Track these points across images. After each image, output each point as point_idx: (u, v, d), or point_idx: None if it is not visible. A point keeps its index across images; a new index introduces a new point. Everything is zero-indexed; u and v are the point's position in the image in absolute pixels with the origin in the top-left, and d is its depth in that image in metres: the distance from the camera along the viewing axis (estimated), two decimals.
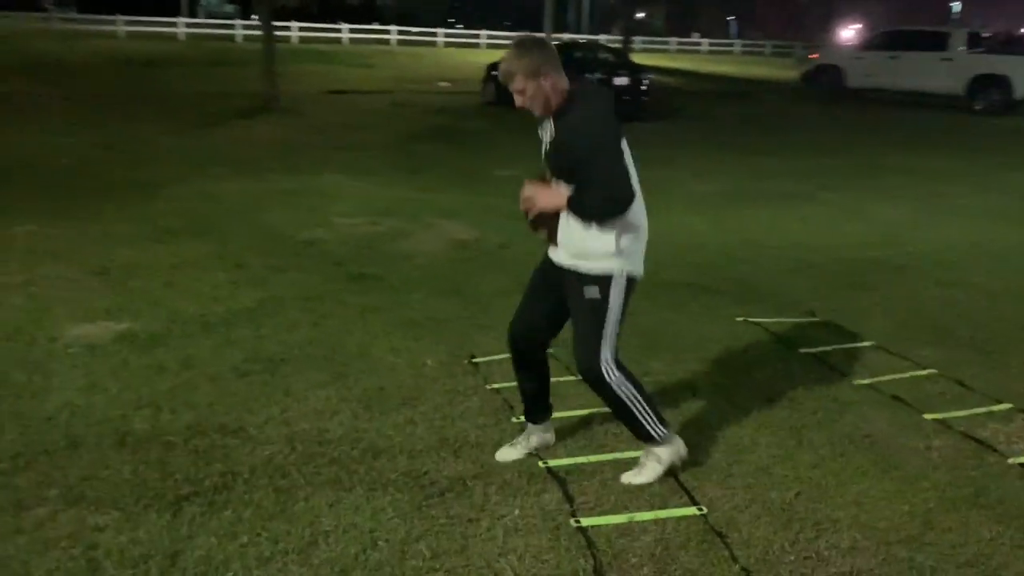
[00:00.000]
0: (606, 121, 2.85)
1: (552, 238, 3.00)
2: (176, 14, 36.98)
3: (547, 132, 2.95)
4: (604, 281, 2.91)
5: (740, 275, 5.97)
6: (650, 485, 3.04)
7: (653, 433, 3.02)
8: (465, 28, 46.11)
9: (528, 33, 3.11)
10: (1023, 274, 6.13)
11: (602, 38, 41.72)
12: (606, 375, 2.94)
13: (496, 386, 3.86)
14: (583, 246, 2.89)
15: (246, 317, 4.71)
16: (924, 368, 4.25)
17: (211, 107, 14.97)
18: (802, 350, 4.46)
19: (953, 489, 3.09)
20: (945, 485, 3.11)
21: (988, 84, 18.75)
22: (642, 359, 4.23)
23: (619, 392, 2.96)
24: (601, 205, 2.81)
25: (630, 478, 3.10)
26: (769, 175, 10.44)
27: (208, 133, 12.35)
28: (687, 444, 3.15)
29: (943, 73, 19.34)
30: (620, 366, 2.99)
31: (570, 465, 3.19)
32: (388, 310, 4.93)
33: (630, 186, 2.81)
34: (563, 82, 2.86)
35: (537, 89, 2.82)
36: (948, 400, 3.88)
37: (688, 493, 3.00)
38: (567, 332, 3.08)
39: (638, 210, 2.92)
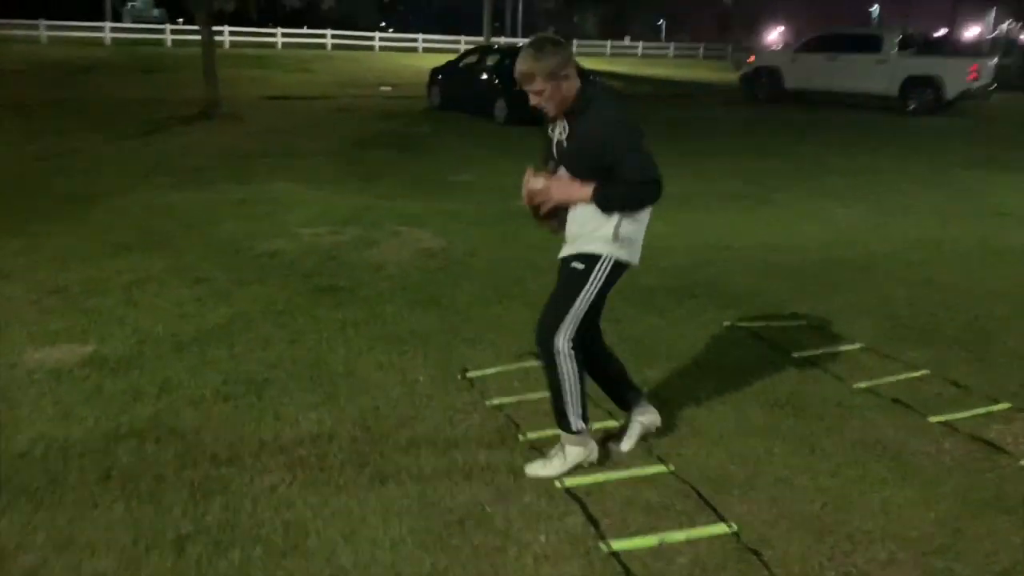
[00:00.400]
0: (628, 116, 2.91)
1: (560, 229, 3.07)
2: (101, 18, 35.80)
3: (558, 131, 2.99)
4: (592, 259, 2.98)
5: (713, 278, 5.94)
6: (673, 506, 2.95)
7: (572, 422, 3.08)
8: (395, 32, 45.76)
9: (544, 34, 3.08)
10: (985, 272, 6.23)
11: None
12: (557, 350, 2.99)
13: (496, 402, 3.73)
14: (583, 231, 2.98)
15: (218, 335, 4.47)
16: (916, 369, 4.25)
17: (148, 114, 14.45)
18: (795, 354, 4.43)
19: (973, 493, 3.07)
20: (964, 490, 3.09)
21: (920, 85, 19.30)
22: (637, 368, 4.13)
23: (562, 369, 3.01)
24: (632, 198, 2.88)
25: (536, 470, 3.13)
26: (717, 177, 10.49)
27: (148, 142, 11.89)
28: (702, 455, 3.09)
29: (877, 74, 19.86)
30: (577, 348, 3.02)
31: (589, 484, 3.07)
32: (366, 324, 4.75)
33: (657, 170, 2.85)
34: (577, 82, 2.91)
35: (555, 90, 2.87)
36: (947, 401, 3.88)
37: (715, 510, 2.91)
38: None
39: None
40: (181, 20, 37.10)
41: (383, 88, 21.79)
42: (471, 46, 32.45)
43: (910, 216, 8.34)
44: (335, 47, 36.79)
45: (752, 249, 6.81)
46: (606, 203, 2.88)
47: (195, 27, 27.57)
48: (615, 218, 2.91)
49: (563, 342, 2.99)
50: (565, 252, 3.08)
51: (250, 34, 33.33)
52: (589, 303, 3.00)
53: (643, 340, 4.56)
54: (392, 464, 3.17)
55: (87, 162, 10.05)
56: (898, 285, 5.81)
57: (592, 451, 3.16)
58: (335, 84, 21.86)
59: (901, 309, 5.27)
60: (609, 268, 2.99)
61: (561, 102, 2.90)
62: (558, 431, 3.19)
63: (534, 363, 4.03)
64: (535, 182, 2.97)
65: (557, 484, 3.05)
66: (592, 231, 2.95)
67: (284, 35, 35.59)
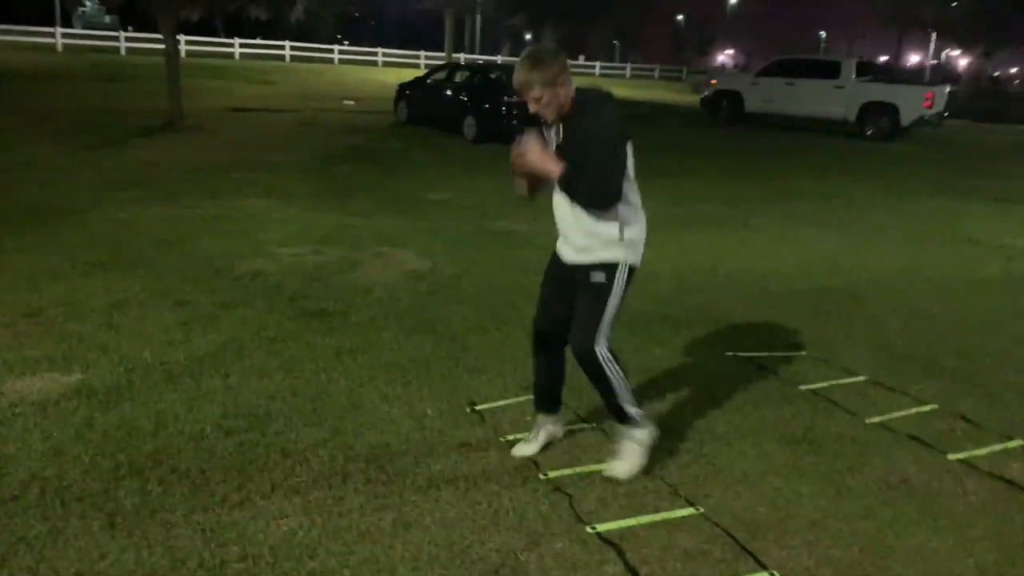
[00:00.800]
0: (616, 123, 3.09)
1: (530, 193, 3.28)
2: (50, 23, 34.87)
3: (554, 134, 3.17)
4: (610, 268, 3.16)
5: (704, 305, 5.90)
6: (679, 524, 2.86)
7: (633, 413, 3.29)
8: (351, 45, 45.49)
9: (541, 44, 3.20)
10: (971, 302, 6.29)
11: (499, 59, 42.00)
12: (601, 358, 3.18)
13: (511, 438, 3.60)
14: (589, 239, 3.15)
15: (210, 364, 4.27)
16: (924, 403, 4.24)
17: (109, 125, 14.05)
18: (802, 387, 4.39)
19: (1005, 537, 3.04)
20: (996, 533, 3.05)
21: (877, 111, 19.72)
22: (648, 402, 4.06)
23: (609, 373, 3.20)
24: (589, 194, 3.05)
25: (617, 472, 3.30)
26: (692, 200, 10.52)
27: (110, 154, 11.53)
28: (729, 497, 3.04)
29: (835, 100, 20.25)
30: (611, 350, 3.21)
31: (621, 529, 2.96)
32: (363, 352, 4.59)
33: (619, 185, 3.05)
34: (572, 89, 3.08)
35: (553, 97, 3.04)
36: (960, 437, 3.87)
37: (755, 558, 2.82)
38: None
39: (637, 206, 3.19)
40: (132, 28, 36.28)
41: (346, 102, 21.57)
42: (432, 62, 32.40)
43: (884, 242, 8.43)
44: (294, 59, 36.42)
45: (738, 275, 6.80)
46: (566, 185, 3.08)
47: (151, 35, 27.04)
48: (617, 223, 3.10)
49: (604, 350, 3.18)
50: (574, 259, 3.22)
51: (207, 44, 32.78)
52: (616, 308, 3.20)
53: (647, 371, 4.48)
54: (413, 508, 3.02)
55: (50, 175, 9.70)
56: (888, 315, 5.84)
57: (654, 430, 3.38)
58: (298, 97, 21.57)
59: (896, 340, 5.28)
60: (627, 273, 3.19)
61: (558, 108, 3.07)
62: (579, 468, 3.28)
63: None
64: (524, 142, 3.10)
65: (588, 529, 2.94)
66: (601, 238, 3.13)
67: (242, 45, 35.11)
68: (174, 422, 3.58)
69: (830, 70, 20.73)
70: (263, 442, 3.45)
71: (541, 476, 3.30)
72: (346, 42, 50.82)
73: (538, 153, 3.09)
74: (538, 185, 3.25)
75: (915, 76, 40.18)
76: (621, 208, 3.10)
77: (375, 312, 5.32)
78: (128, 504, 2.92)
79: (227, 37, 34.41)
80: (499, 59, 42.28)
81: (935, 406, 4.21)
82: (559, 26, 53.55)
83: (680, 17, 76.50)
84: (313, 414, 3.75)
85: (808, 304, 6.03)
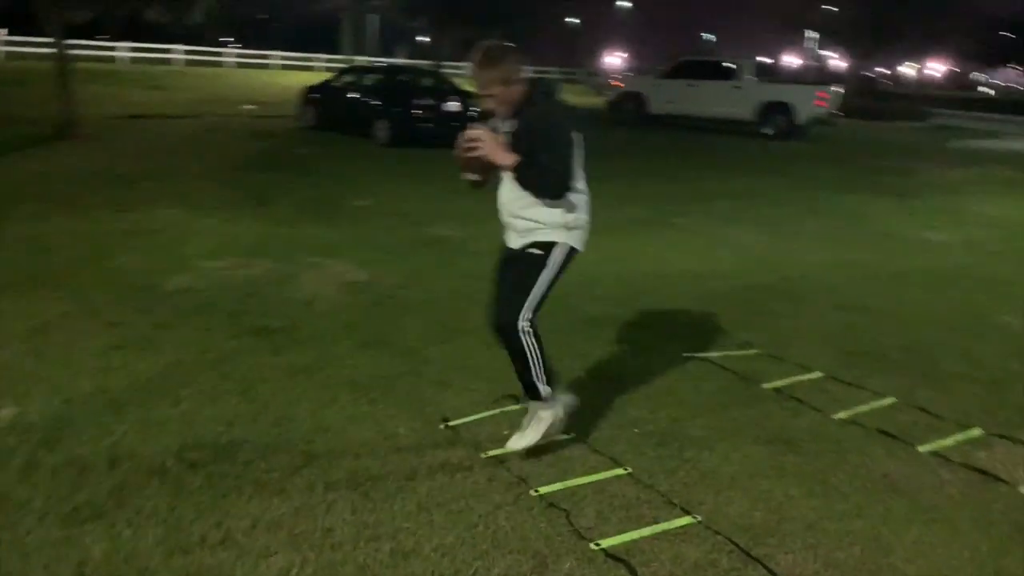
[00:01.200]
0: (564, 115, 3.28)
1: (479, 184, 3.36)
2: None
3: (505, 126, 3.26)
4: (549, 246, 3.28)
5: (651, 307, 5.90)
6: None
7: (541, 390, 3.35)
8: (241, 48, 44.18)
9: (492, 42, 3.26)
10: (901, 295, 6.52)
11: (399, 61, 41.64)
12: (522, 331, 3.25)
13: (493, 454, 3.48)
14: (533, 224, 3.27)
15: (156, 390, 3.98)
16: (882, 397, 4.33)
17: None
18: (764, 385, 4.43)
19: (992, 528, 3.11)
20: (982, 524, 3.13)
21: (775, 111, 20.43)
22: (621, 407, 4.04)
23: (527, 344, 3.27)
24: (540, 180, 3.16)
25: (512, 444, 3.41)
26: (614, 202, 10.51)
27: (0, 164, 10.78)
28: (722, 502, 3.05)
29: (735, 100, 20.88)
30: (534, 327, 3.29)
31: (625, 543, 2.88)
32: (319, 370, 4.37)
33: (568, 175, 3.17)
34: (524, 85, 3.21)
35: (506, 93, 3.18)
36: (924, 429, 3.96)
37: (765, 566, 2.79)
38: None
39: (581, 193, 3.32)
40: (6, 30, 34.18)
41: (246, 107, 20.87)
42: (330, 65, 31.74)
43: (805, 240, 8.68)
44: (185, 63, 35.10)
45: (678, 276, 6.85)
46: (520, 177, 3.15)
47: (33, 39, 25.50)
48: (560, 209, 3.23)
49: (524, 322, 3.26)
50: (518, 243, 3.35)
51: (91, 48, 31.18)
52: (548, 286, 3.29)
53: (612, 376, 4.43)
54: (408, 535, 2.87)
55: None
56: (829, 310, 5.98)
57: (559, 412, 3.44)
58: (194, 102, 20.74)
59: (841, 335, 5.40)
60: (566, 253, 3.30)
61: (512, 104, 3.20)
62: (568, 482, 3.25)
63: (514, 407, 3.83)
64: (473, 132, 3.16)
65: (593, 546, 2.85)
66: (545, 223, 3.25)
67: (129, 49, 33.59)
68: (130, 457, 3.31)
69: (729, 72, 21.35)
70: (232, 473, 3.22)
71: (532, 492, 3.19)
72: (237, 45, 49.28)
73: (492, 145, 3.15)
74: (488, 175, 3.34)
75: (800, 77, 41.86)
76: (568, 195, 3.23)
77: (322, 327, 5.09)
78: (97, 554, 2.66)
79: (115, 40, 32.79)
80: (400, 61, 41.94)
81: (894, 399, 4.31)
82: (457, 29, 53.42)
83: (574, 20, 77.59)
84: (281, 440, 3.53)
85: (750, 302, 6.12)
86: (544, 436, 3.41)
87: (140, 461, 3.28)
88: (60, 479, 3.11)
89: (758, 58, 29.80)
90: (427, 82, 16.67)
